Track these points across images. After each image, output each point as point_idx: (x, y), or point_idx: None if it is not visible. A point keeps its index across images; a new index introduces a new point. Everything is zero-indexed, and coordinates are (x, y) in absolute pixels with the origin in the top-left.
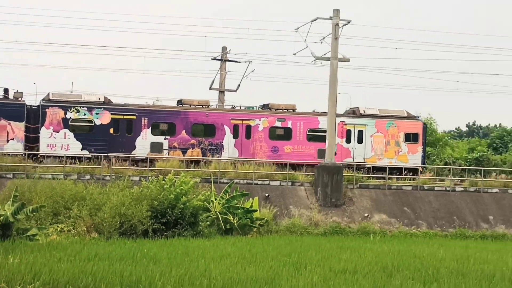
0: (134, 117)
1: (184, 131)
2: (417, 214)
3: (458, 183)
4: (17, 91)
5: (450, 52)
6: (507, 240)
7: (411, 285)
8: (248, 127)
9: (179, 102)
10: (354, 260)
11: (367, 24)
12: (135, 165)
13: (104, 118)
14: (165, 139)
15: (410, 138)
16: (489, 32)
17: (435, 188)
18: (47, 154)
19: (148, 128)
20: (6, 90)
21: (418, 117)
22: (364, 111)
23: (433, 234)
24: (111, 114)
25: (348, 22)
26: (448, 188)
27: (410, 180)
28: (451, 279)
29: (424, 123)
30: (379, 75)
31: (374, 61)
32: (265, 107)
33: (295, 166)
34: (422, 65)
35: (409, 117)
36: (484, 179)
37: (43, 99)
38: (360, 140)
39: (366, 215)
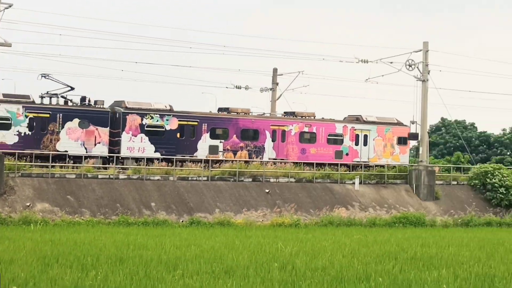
0: (196, 123)
1: (235, 135)
2: (80, 202)
3: (122, 171)
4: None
5: (115, 41)
6: (168, 225)
7: (68, 273)
8: (283, 132)
9: (224, 109)
10: (11, 250)
11: (31, 9)
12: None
13: (172, 124)
14: (220, 142)
15: (401, 141)
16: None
17: (99, 176)
18: (128, 156)
19: (207, 132)
20: (84, 98)
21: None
22: (366, 118)
23: (97, 222)
24: (178, 120)
25: (10, 6)
26: (112, 176)
27: (73, 168)
28: (110, 266)
29: (410, 128)
30: (44, 61)
31: (39, 47)
32: (290, 114)
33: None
34: (88, 53)
35: (399, 123)
36: (147, 167)
37: (120, 107)
38: (365, 143)
39: (28, 204)
